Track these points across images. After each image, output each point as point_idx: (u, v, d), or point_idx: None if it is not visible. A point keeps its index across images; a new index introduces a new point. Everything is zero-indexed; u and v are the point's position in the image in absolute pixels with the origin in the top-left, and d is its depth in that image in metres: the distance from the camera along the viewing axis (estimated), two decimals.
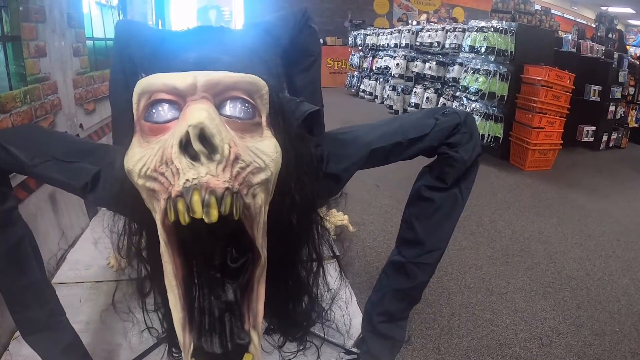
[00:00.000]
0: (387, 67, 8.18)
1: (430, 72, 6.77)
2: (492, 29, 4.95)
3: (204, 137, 0.70)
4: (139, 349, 1.60)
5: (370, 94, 9.13)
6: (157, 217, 0.77)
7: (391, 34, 8.32)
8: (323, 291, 1.28)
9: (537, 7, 11.59)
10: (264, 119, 0.87)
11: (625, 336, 2.02)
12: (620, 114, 6.19)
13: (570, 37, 5.61)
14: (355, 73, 10.26)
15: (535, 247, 2.88)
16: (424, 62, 6.96)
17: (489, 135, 4.86)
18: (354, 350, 1.56)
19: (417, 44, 7.23)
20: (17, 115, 2.00)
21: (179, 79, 0.81)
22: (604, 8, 16.93)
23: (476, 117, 4.90)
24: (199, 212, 0.68)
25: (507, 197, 3.83)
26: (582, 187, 4.29)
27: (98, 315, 1.79)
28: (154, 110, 0.82)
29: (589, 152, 5.91)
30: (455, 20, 10.22)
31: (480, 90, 4.90)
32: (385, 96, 8.15)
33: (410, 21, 14.29)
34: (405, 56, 7.50)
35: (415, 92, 7.01)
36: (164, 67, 0.91)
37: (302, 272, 1.15)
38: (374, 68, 9.03)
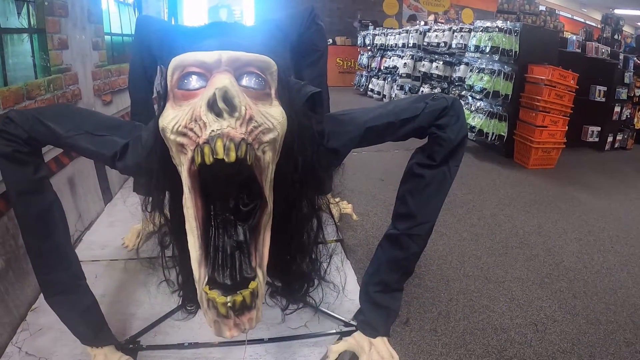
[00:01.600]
0: (395, 67, 8.24)
1: (437, 72, 6.84)
2: (497, 29, 5.01)
3: (227, 98, 0.86)
4: (150, 319, 1.71)
5: (379, 93, 9.18)
6: (184, 167, 0.92)
7: (399, 34, 8.39)
8: (322, 255, 1.42)
9: (542, 7, 11.66)
10: (273, 91, 1.02)
11: (621, 326, 2.07)
12: (626, 115, 6.21)
13: (575, 38, 5.67)
14: (364, 73, 10.32)
15: (535, 240, 2.94)
16: (431, 61, 7.04)
17: (493, 133, 4.94)
18: (352, 322, 1.66)
19: (425, 44, 7.29)
20: (41, 102, 2.12)
21: (207, 55, 0.97)
22: (613, 10, 16.94)
23: (481, 116, 5.01)
24: (221, 154, 0.84)
25: (509, 192, 3.89)
26: (584, 185, 4.33)
27: (113, 289, 1.91)
28: (185, 80, 0.97)
29: (594, 152, 5.93)
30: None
31: (485, 89, 4.97)
32: (393, 95, 8.22)
33: (419, 22, 14.41)
34: (412, 56, 7.58)
35: (422, 91, 7.07)
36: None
37: (303, 233, 1.28)
38: (382, 68, 9.09)
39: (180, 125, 0.91)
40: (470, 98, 5.40)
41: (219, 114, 0.86)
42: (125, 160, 1.23)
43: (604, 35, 9.77)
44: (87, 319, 1.40)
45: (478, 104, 5.19)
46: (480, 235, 2.96)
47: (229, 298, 0.90)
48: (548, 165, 4.85)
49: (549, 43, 5.19)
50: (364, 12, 13.78)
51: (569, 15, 18.36)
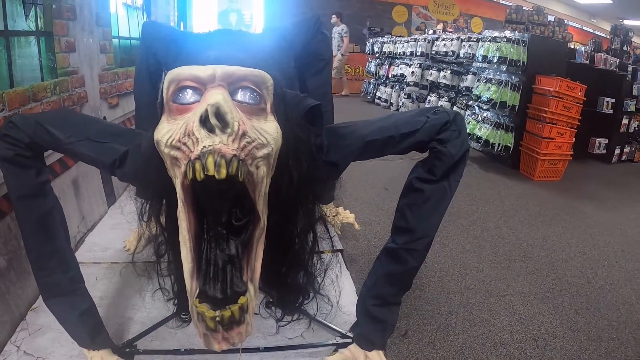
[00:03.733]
0: (402, 75, 8.27)
1: (444, 81, 6.86)
2: (505, 40, 5.01)
3: (219, 114, 0.87)
4: (148, 324, 1.72)
5: (386, 101, 9.21)
6: (177, 180, 0.94)
7: (407, 42, 8.43)
8: (317, 268, 1.43)
9: (551, 18, 11.62)
10: (268, 105, 1.03)
11: (622, 343, 2.05)
12: (634, 128, 6.17)
13: (583, 49, 5.65)
14: (372, 80, 10.35)
15: (538, 254, 2.92)
16: (439, 70, 7.06)
17: (499, 144, 4.93)
18: (349, 334, 1.66)
19: (433, 52, 7.31)
20: (47, 104, 2.14)
21: (202, 70, 0.98)
22: (622, 21, 16.91)
23: (487, 126, 5.00)
24: (211, 170, 0.85)
25: (514, 204, 3.88)
26: (590, 198, 4.31)
27: (112, 292, 1.92)
28: (180, 94, 0.99)
29: (601, 164, 5.91)
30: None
31: (492, 99, 4.97)
32: (400, 104, 8.24)
33: (427, 30, 14.43)
34: (420, 64, 7.60)
35: (430, 100, 7.09)
36: (187, 64, 1.05)
37: (298, 246, 1.29)
38: (390, 76, 9.13)
39: (174, 140, 0.92)
40: (477, 108, 5.40)
41: (211, 130, 0.87)
42: (124, 168, 1.25)
43: (613, 46, 9.75)
44: (84, 322, 1.42)
45: (485, 114, 5.19)
46: (483, 248, 2.95)
47: (217, 313, 0.91)
48: (554, 177, 4.83)
49: (557, 54, 5.18)
50: (373, 19, 13.87)
51: (578, 26, 18.34)
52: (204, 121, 0.87)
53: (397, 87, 8.77)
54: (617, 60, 6.05)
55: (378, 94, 9.65)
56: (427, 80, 7.36)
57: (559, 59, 5.11)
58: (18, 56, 2.04)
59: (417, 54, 7.79)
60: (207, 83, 0.97)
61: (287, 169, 1.07)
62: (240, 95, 0.99)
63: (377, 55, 10.07)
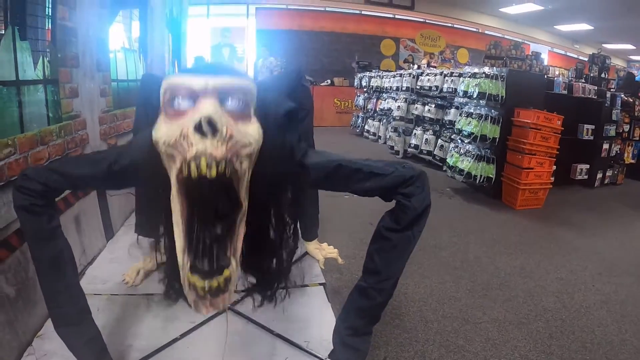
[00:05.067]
0: (389, 109, 8.44)
1: (429, 115, 7.04)
2: (484, 75, 5.18)
3: (211, 123, 1.05)
4: (147, 351, 1.84)
5: (374, 134, 9.42)
6: (173, 173, 1.12)
7: (394, 77, 8.62)
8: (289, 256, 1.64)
9: (536, 46, 11.97)
10: (252, 110, 1.21)
11: None
12: (616, 151, 6.37)
13: (561, 80, 5.85)
14: (360, 114, 10.56)
15: (515, 282, 3.03)
16: (424, 104, 7.23)
17: (481, 175, 5.07)
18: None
19: (418, 87, 7.48)
20: (52, 147, 2.29)
21: (195, 82, 1.15)
22: (605, 45, 17.36)
23: (469, 159, 5.15)
24: (204, 170, 1.04)
25: (494, 234, 3.98)
26: (571, 224, 4.44)
27: (112, 322, 2.03)
28: (175, 101, 1.16)
29: (584, 189, 6.09)
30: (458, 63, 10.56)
31: (473, 133, 5.13)
32: (388, 137, 8.42)
33: (415, 62, 14.71)
34: (406, 99, 7.78)
35: (415, 133, 7.26)
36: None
37: (272, 232, 1.50)
38: (377, 109, 9.30)
39: (171, 140, 1.10)
40: (459, 141, 5.56)
41: (203, 135, 1.05)
42: (121, 161, 1.39)
43: (591, 74, 10.03)
44: (91, 348, 1.55)
45: (467, 147, 5.35)
46: (462, 278, 3.05)
47: (206, 283, 1.09)
48: (536, 205, 4.98)
49: (535, 86, 5.38)
50: (362, 53, 14.10)
51: (563, 52, 18.83)
52: (198, 128, 1.05)
53: (384, 121, 8.97)
54: (595, 88, 6.27)
55: (366, 127, 9.87)
56: (412, 114, 7.55)
57: (537, 91, 5.30)
58: (27, 104, 2.17)
59: (403, 88, 7.98)
60: (199, 94, 1.14)
61: (266, 162, 1.25)
62: (228, 104, 1.16)
63: (365, 89, 10.28)
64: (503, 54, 10.49)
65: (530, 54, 12.12)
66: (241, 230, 1.20)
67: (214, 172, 1.05)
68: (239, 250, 1.20)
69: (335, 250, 2.69)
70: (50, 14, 2.43)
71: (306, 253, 2.71)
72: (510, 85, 5.06)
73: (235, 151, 1.11)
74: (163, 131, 1.13)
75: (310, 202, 2.56)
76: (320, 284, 2.43)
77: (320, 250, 2.66)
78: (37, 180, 1.38)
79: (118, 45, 3.85)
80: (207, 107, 1.09)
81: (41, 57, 2.33)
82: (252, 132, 1.17)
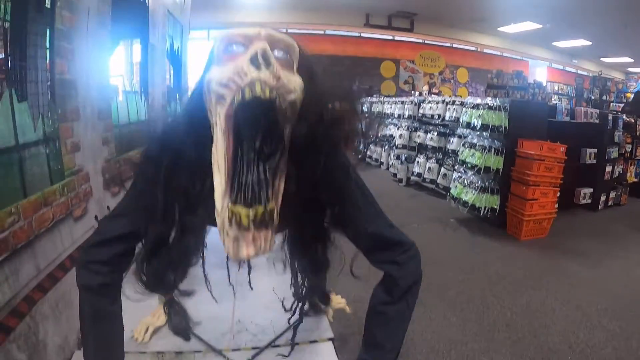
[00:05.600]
0: (392, 135, 8.49)
1: (431, 143, 7.05)
2: (487, 107, 5.20)
3: (265, 55, 1.07)
4: None
5: (376, 160, 9.46)
6: (221, 113, 1.12)
7: (395, 103, 8.67)
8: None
9: (530, 80, 12.08)
10: (295, 66, 1.22)
11: None
12: (619, 172, 6.40)
13: (563, 107, 5.89)
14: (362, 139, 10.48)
15: (521, 322, 3.01)
16: (426, 132, 7.26)
17: (485, 207, 5.08)
18: None
19: (420, 115, 7.51)
20: (56, 207, 2.27)
21: (249, 30, 1.19)
22: (603, 59, 17.52)
23: (473, 191, 5.18)
24: (259, 91, 1.05)
25: (499, 269, 3.96)
26: (576, 253, 4.42)
27: None
28: (230, 47, 1.18)
29: (588, 213, 6.08)
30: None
31: (477, 165, 5.15)
32: (390, 163, 8.44)
33: (415, 82, 14.82)
34: (408, 127, 7.81)
35: (418, 161, 7.30)
36: None
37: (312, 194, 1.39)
38: (379, 135, 9.30)
39: (224, 78, 1.10)
40: (463, 172, 5.57)
41: (258, 67, 1.07)
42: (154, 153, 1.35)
43: (592, 97, 10.10)
44: None
45: (470, 178, 5.35)
46: (468, 320, 3.04)
47: (251, 211, 1.07)
48: (540, 235, 4.97)
49: (537, 115, 5.38)
50: (363, 75, 14.26)
51: (561, 67, 18.98)
52: (253, 59, 1.07)
53: (386, 147, 9.00)
54: (597, 111, 6.31)
55: (369, 153, 9.85)
56: (414, 142, 7.58)
57: (540, 120, 5.32)
58: (29, 167, 2.14)
59: (405, 116, 8.02)
60: (253, 39, 1.16)
61: (304, 118, 1.22)
62: (276, 52, 1.17)
63: (366, 115, 10.18)
64: (505, 82, 10.58)
65: (532, 82, 12.23)
66: (282, 177, 1.18)
67: (267, 93, 1.06)
68: (280, 194, 1.18)
69: (343, 300, 2.68)
70: (48, 70, 2.41)
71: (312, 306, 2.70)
72: (513, 115, 5.07)
73: (282, 92, 1.11)
74: (216, 72, 1.14)
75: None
76: (329, 339, 2.43)
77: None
78: (102, 254, 1.35)
79: (119, 89, 3.82)
80: (262, 44, 1.11)
81: (40, 117, 2.31)
82: (296, 80, 1.17)
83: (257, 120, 1.11)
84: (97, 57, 3.12)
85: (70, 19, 2.63)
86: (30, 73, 2.29)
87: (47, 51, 2.45)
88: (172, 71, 6.08)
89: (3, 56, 2.06)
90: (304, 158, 1.29)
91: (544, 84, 15.09)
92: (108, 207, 3.01)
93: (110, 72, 3.48)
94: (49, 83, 2.46)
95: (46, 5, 2.41)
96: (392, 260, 1.40)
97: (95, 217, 2.86)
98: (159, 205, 1.34)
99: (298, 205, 1.33)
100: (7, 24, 2.08)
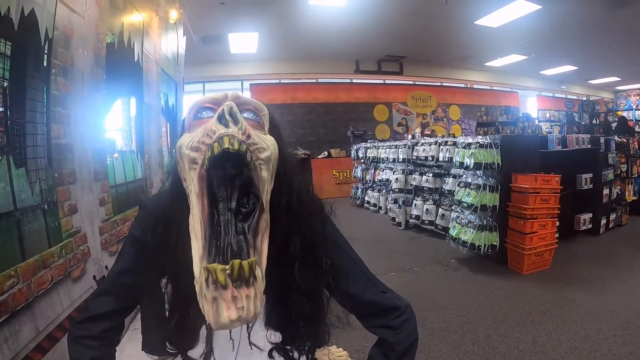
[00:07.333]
0: (388, 180, 8.54)
1: (427, 185, 7.09)
2: (478, 145, 5.24)
3: (232, 113, 1.09)
4: None
5: (375, 205, 9.47)
6: (194, 176, 1.10)
7: (389, 148, 8.75)
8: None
9: (522, 111, 12.26)
10: (266, 127, 1.24)
11: None
12: (617, 193, 6.46)
13: (554, 137, 5.93)
14: (360, 185, 10.66)
15: (529, 359, 2.97)
16: (421, 174, 7.31)
17: (485, 244, 5.06)
18: None
19: (414, 157, 7.56)
20: (55, 268, 2.30)
21: (217, 94, 1.22)
22: (591, 81, 18.09)
23: (471, 230, 5.16)
24: (227, 143, 1.04)
25: (503, 307, 3.91)
26: (580, 282, 4.40)
27: None
28: (199, 113, 1.21)
29: (589, 239, 6.09)
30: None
31: (473, 204, 5.14)
32: (388, 208, 8.43)
33: (409, 124, 15.00)
34: (403, 170, 7.88)
35: (416, 204, 7.31)
36: None
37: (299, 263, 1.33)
38: (376, 180, 9.43)
39: (194, 141, 1.11)
40: (460, 211, 5.57)
41: (226, 125, 1.08)
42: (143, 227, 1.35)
43: (583, 122, 10.22)
44: None
45: (468, 217, 5.35)
46: None
47: (227, 265, 0.97)
48: (543, 267, 4.94)
49: (529, 148, 5.44)
50: (356, 120, 14.49)
51: (550, 94, 19.46)
52: (221, 118, 1.09)
53: (383, 191, 9.05)
54: (589, 136, 6.37)
55: (366, 198, 9.93)
56: (411, 184, 7.61)
57: (532, 153, 5.39)
58: (27, 230, 2.18)
59: (399, 160, 8.08)
60: (221, 102, 1.18)
61: (284, 184, 1.24)
62: (245, 114, 1.20)
63: (362, 160, 10.43)
64: (494, 119, 10.73)
65: (521, 115, 12.42)
66: (265, 240, 1.11)
67: (236, 145, 1.04)
68: (264, 258, 1.09)
69: (345, 352, 2.64)
70: (45, 135, 2.48)
71: None
72: (505, 151, 5.12)
73: (254, 149, 1.11)
74: (186, 137, 1.14)
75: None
76: None
77: (329, 355, 2.61)
78: (91, 330, 1.34)
79: (115, 149, 3.88)
80: (229, 104, 1.12)
81: (38, 181, 2.36)
82: (269, 138, 1.17)
83: (229, 176, 1.10)
84: (93, 120, 3.19)
85: (65, 85, 2.70)
86: (28, 139, 2.34)
87: (44, 116, 2.52)
88: (168, 127, 6.18)
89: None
90: (289, 221, 1.28)
91: (535, 115, 15.28)
92: (106, 267, 3.02)
93: (107, 128, 3.55)
94: (45, 148, 2.51)
95: (43, 64, 2.49)
96: (387, 325, 1.37)
97: (94, 276, 2.88)
98: (141, 283, 1.35)
99: (285, 266, 1.30)
100: (5, 83, 2.15)
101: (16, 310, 1.91)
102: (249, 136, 1.10)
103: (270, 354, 1.44)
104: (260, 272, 1.04)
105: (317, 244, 1.32)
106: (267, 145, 1.14)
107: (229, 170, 1.09)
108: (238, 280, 0.97)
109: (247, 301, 0.98)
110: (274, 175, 1.18)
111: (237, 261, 0.98)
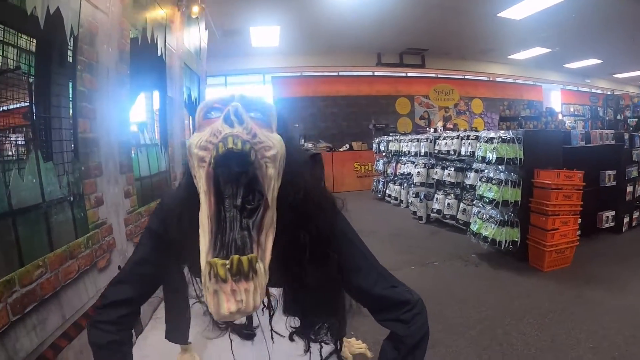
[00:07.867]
0: (409, 173, 8.54)
1: (449, 179, 7.07)
2: (501, 140, 5.19)
3: (237, 113, 1.12)
4: None
5: (396, 198, 9.45)
6: (202, 175, 1.14)
7: (411, 141, 8.74)
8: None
9: (545, 105, 12.08)
10: (273, 126, 1.25)
11: None
12: None
13: (577, 132, 5.85)
14: (381, 178, 10.63)
15: (547, 358, 2.95)
16: (443, 168, 7.28)
17: (506, 240, 5.03)
18: None
19: (436, 151, 7.53)
20: (81, 258, 2.37)
21: (224, 94, 1.24)
22: (616, 76, 17.83)
23: (492, 225, 5.13)
24: (230, 144, 1.08)
25: (523, 304, 3.88)
26: (600, 280, 4.35)
27: None
28: (208, 113, 1.23)
29: (612, 237, 6.00)
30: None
31: (495, 199, 5.11)
32: (410, 201, 8.42)
33: (431, 117, 14.91)
34: (425, 164, 7.84)
35: (437, 198, 7.29)
36: None
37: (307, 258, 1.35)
38: (397, 173, 9.41)
39: (202, 141, 1.14)
40: (482, 206, 5.54)
41: (231, 125, 1.11)
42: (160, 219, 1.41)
43: (607, 118, 10.03)
44: None
45: (489, 212, 5.32)
46: None
47: (227, 260, 1.02)
48: (564, 264, 4.89)
49: (552, 143, 5.38)
50: (378, 114, 14.41)
51: (575, 88, 19.14)
52: (226, 118, 1.11)
53: (405, 185, 9.04)
54: (613, 132, 6.28)
55: (388, 191, 9.91)
56: (432, 178, 7.59)
57: (555, 148, 5.33)
58: (55, 222, 2.26)
59: (421, 154, 8.05)
60: (228, 102, 1.19)
61: (293, 182, 1.26)
62: (252, 113, 1.21)
63: (383, 153, 10.41)
64: (517, 113, 10.60)
65: (544, 110, 12.24)
66: (270, 236, 1.16)
67: (239, 145, 1.08)
68: (268, 254, 1.14)
69: (364, 345, 2.65)
70: (72, 129, 2.55)
71: (333, 352, 2.68)
72: (528, 146, 5.08)
73: (259, 148, 1.14)
74: (195, 137, 1.18)
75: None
76: None
77: (349, 347, 2.62)
78: (109, 315, 1.41)
79: (140, 142, 3.97)
80: (235, 104, 1.15)
81: (65, 174, 2.44)
82: (275, 137, 1.20)
83: (234, 175, 1.14)
84: (118, 114, 3.25)
85: (90, 80, 2.76)
86: (55, 133, 2.41)
87: (71, 111, 2.57)
88: (190, 120, 6.26)
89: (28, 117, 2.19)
90: (297, 217, 1.31)
91: (558, 109, 15.01)
92: None
93: (132, 122, 3.62)
94: (72, 142, 2.58)
95: (69, 60, 2.55)
96: (398, 319, 1.39)
97: (119, 267, 2.93)
98: (157, 273, 1.43)
99: (294, 261, 1.33)
100: (32, 79, 2.21)
101: (44, 299, 1.97)
102: (254, 135, 1.14)
103: (291, 338, 1.50)
104: (262, 267, 1.07)
105: (326, 239, 1.35)
106: (273, 143, 1.17)
107: (234, 168, 1.13)
108: (237, 274, 1.01)
109: (246, 294, 1.02)
110: (281, 172, 1.21)
111: (236, 256, 1.02)
